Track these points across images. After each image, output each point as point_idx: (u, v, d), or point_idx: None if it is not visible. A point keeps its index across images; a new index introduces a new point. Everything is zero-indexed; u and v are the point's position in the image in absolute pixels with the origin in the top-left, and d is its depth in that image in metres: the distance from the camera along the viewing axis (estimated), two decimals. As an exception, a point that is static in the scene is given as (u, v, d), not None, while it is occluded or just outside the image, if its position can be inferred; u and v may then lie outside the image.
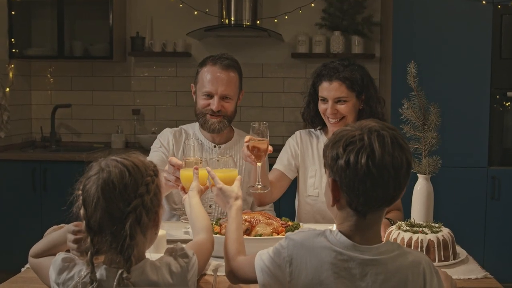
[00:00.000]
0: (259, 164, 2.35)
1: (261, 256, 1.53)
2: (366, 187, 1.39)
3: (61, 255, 1.51)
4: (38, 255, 1.70)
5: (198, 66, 2.85)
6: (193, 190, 2.00)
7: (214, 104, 2.73)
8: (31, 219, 4.46)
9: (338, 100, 2.67)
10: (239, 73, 2.84)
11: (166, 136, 2.87)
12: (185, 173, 2.14)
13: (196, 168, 2.06)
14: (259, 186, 2.39)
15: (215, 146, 2.86)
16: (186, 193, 2.09)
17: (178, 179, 2.21)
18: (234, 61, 2.83)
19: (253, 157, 2.33)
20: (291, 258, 1.45)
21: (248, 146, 2.32)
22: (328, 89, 2.67)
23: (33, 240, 1.78)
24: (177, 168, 2.21)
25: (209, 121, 2.76)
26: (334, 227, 2.25)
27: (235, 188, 1.98)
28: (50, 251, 1.69)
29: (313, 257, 1.42)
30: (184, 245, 1.59)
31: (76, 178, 1.48)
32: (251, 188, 2.45)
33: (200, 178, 2.06)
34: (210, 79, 2.73)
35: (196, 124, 2.90)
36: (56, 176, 4.52)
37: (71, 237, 1.66)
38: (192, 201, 1.96)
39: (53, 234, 1.74)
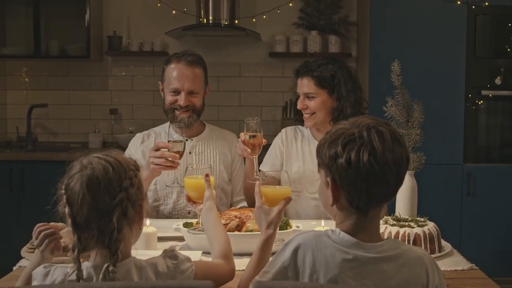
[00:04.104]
0: (255, 156, 2.52)
1: (260, 279, 1.45)
2: (369, 184, 1.36)
3: (40, 266, 1.50)
4: None
5: (163, 64, 2.93)
6: (209, 200, 1.94)
7: (181, 99, 2.82)
8: (9, 220, 4.39)
9: (307, 96, 2.79)
10: (204, 68, 2.93)
11: (135, 143, 2.99)
12: (190, 181, 2.13)
13: (208, 175, 2.01)
14: (258, 177, 2.40)
15: (186, 140, 2.89)
16: (194, 202, 2.12)
17: (166, 159, 2.46)
18: (198, 57, 2.92)
19: (249, 150, 2.49)
20: (295, 261, 1.41)
21: (243, 141, 2.49)
22: (300, 84, 2.83)
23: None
24: (165, 147, 2.47)
25: (178, 116, 2.84)
26: (322, 222, 2.30)
27: (273, 213, 1.78)
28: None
29: (318, 257, 1.39)
30: (175, 247, 1.59)
31: (57, 178, 1.47)
32: (251, 179, 2.56)
33: (202, 185, 2.01)
34: (176, 76, 2.83)
35: (167, 124, 2.94)
36: (34, 176, 4.47)
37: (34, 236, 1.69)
38: (209, 217, 1.90)
39: (26, 268, 1.71)
